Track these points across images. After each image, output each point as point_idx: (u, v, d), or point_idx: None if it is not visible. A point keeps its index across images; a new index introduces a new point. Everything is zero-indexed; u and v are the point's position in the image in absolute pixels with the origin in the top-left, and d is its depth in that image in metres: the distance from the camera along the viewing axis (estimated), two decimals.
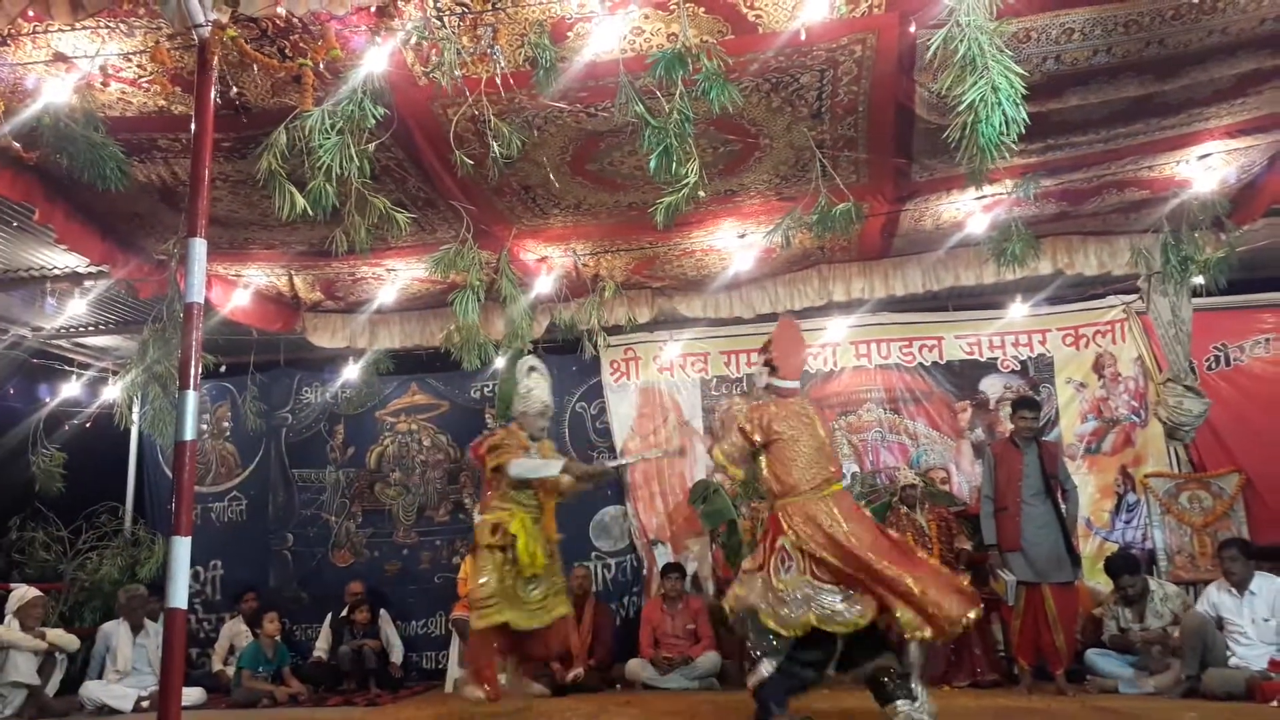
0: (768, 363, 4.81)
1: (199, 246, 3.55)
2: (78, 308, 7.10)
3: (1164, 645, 5.87)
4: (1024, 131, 3.53)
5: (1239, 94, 4.93)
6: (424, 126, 4.72)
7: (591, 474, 5.40)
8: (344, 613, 7.88)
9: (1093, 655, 6.15)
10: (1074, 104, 4.81)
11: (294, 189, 4.22)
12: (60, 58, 4.17)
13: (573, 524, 7.51)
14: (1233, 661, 5.49)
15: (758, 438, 4.57)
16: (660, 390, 8.48)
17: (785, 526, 4.37)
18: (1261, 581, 5.64)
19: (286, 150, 4.17)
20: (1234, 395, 7.48)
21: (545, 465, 5.08)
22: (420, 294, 7.31)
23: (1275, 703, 4.85)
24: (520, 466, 5.03)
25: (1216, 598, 5.78)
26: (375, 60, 3.95)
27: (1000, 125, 3.46)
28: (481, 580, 4.88)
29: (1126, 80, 4.64)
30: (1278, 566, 5.93)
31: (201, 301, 3.61)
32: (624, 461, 8.09)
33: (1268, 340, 7.58)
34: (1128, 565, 6.27)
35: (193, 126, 3.66)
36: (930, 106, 4.68)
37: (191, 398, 3.43)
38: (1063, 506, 6.07)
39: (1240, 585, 5.67)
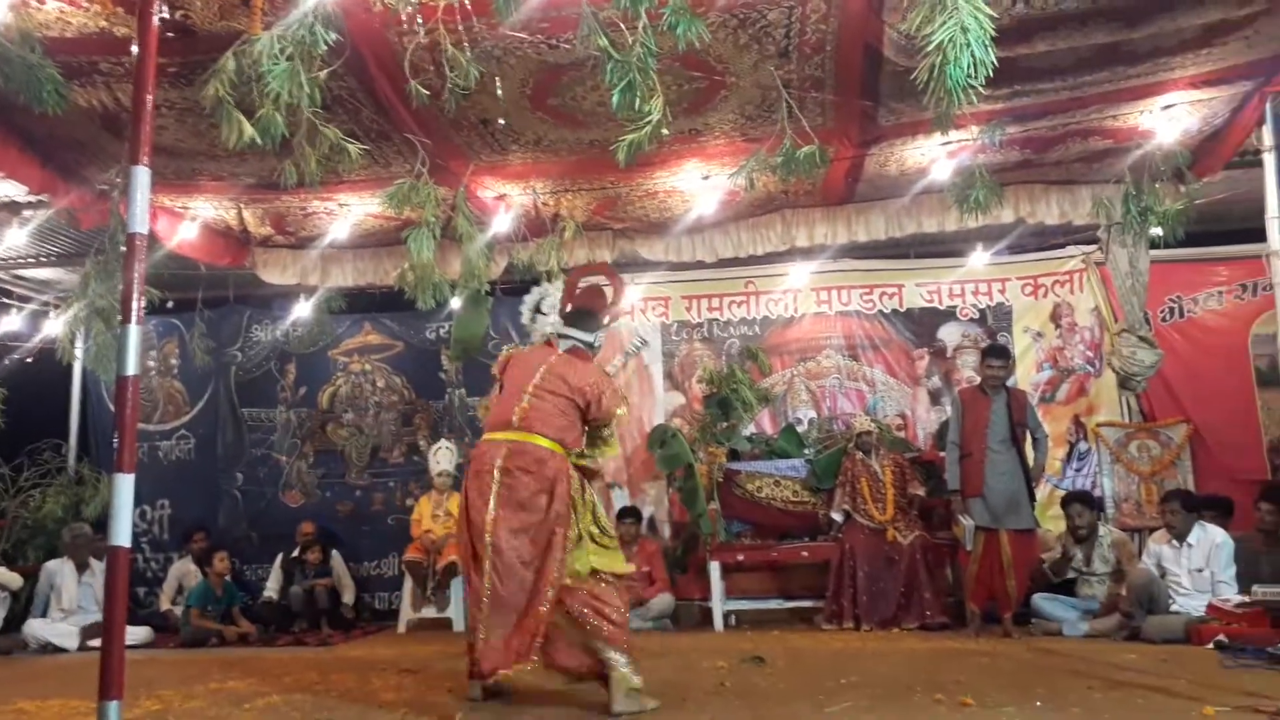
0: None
1: (142, 175, 3.39)
2: (17, 238, 6.84)
3: (1112, 601, 6.01)
4: (991, 75, 3.47)
5: (1205, 44, 4.92)
6: (378, 55, 4.56)
7: None
8: (295, 553, 7.81)
9: (1039, 599, 6.28)
10: (1042, 49, 4.77)
11: (242, 117, 4.08)
12: None
13: None
14: (1174, 608, 5.63)
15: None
16: (621, 334, 8.42)
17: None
18: (1199, 533, 5.76)
19: (235, 77, 4.02)
20: (1186, 347, 7.60)
21: None
22: (374, 230, 7.15)
23: (1210, 644, 4.98)
24: None
25: (1157, 549, 5.92)
26: None
27: (968, 68, 3.40)
28: None
29: (1095, 26, 4.61)
30: (1221, 515, 6.06)
31: (145, 232, 3.44)
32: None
33: (1220, 293, 7.68)
34: (1079, 496, 6.45)
35: (135, 49, 3.48)
36: (898, 48, 4.61)
37: (134, 332, 3.30)
38: (1029, 455, 6.14)
39: (1180, 537, 5.79)
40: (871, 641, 5.98)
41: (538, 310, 4.62)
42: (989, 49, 3.38)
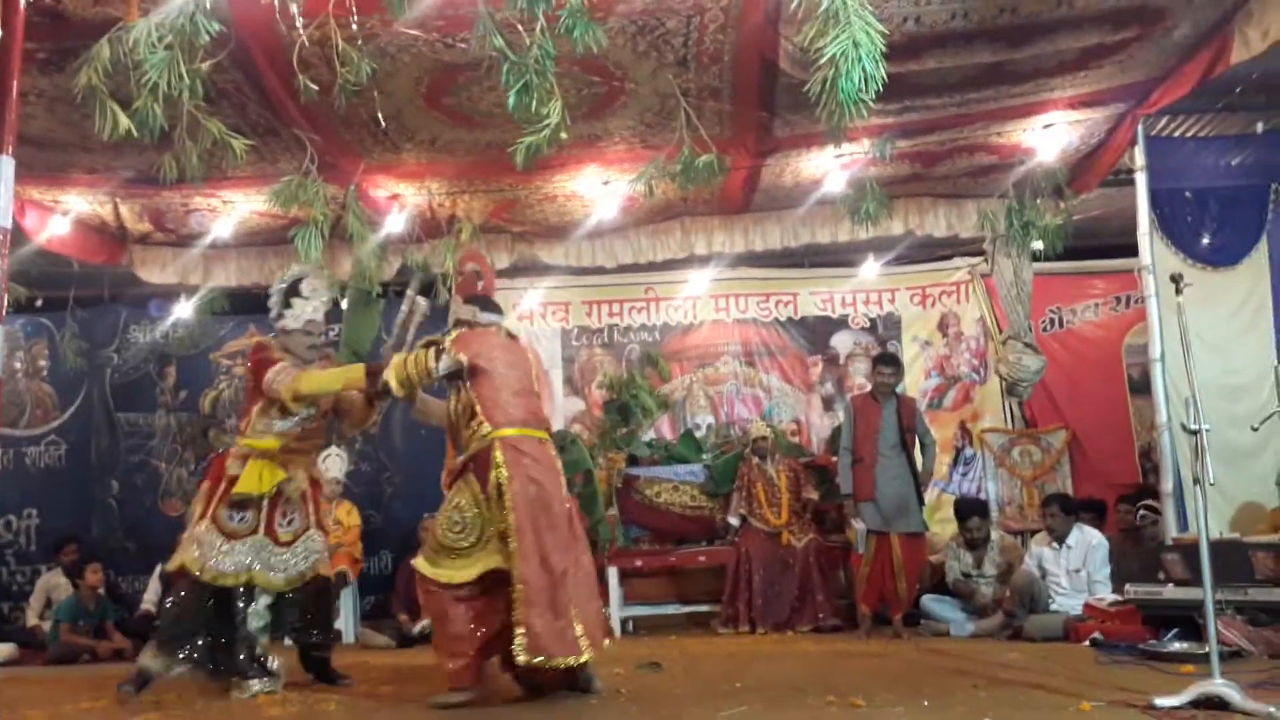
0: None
1: (6, 166, 3.19)
2: None
3: (997, 602, 6.18)
4: (882, 90, 3.54)
5: (1082, 66, 5.15)
6: (266, 47, 4.40)
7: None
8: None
9: (927, 600, 6.43)
10: (931, 66, 4.93)
11: (118, 108, 3.89)
12: None
13: (429, 471, 7.35)
14: (1053, 608, 5.83)
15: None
16: (519, 339, 8.31)
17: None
18: (1077, 534, 5.98)
19: (109, 65, 3.82)
20: (1065, 356, 7.91)
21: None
22: (260, 229, 6.89)
23: (1087, 641, 5.17)
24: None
25: (1038, 551, 6.12)
26: None
27: (860, 82, 3.47)
28: None
29: (980, 45, 4.78)
30: (1097, 518, 6.32)
31: (8, 226, 3.24)
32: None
33: (1097, 305, 8.03)
34: (976, 509, 6.57)
35: None
36: (794, 60, 4.68)
37: None
38: (918, 460, 6.28)
39: (1060, 539, 6.00)
40: (766, 644, 6.03)
41: (295, 294, 4.45)
42: (880, 64, 3.45)
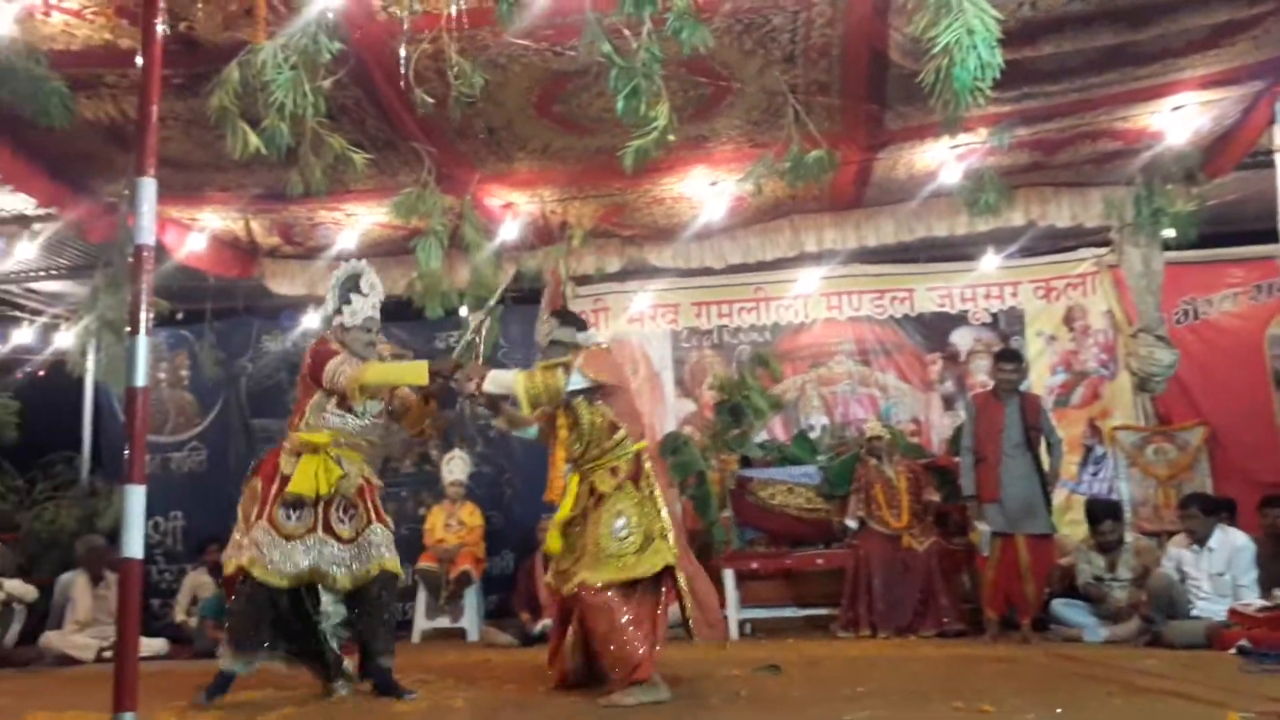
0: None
1: (148, 186, 3.40)
2: (27, 251, 6.88)
3: (1132, 607, 5.92)
4: (999, 78, 3.49)
5: (1213, 44, 4.90)
6: (383, 63, 4.56)
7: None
8: None
9: (1058, 605, 6.20)
10: (1049, 51, 4.77)
11: (247, 128, 4.09)
12: None
13: (536, 475, 7.49)
14: (1194, 613, 5.55)
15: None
16: (631, 342, 8.39)
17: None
18: (1220, 536, 5.69)
19: (239, 87, 4.03)
20: (1201, 349, 7.51)
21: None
22: (382, 240, 7.14)
23: (1232, 649, 4.91)
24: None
25: (1177, 553, 5.85)
26: None
27: (975, 70, 3.40)
28: None
29: (1101, 27, 4.60)
30: (1229, 517, 5.99)
31: (152, 243, 3.45)
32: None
33: (1235, 295, 7.61)
34: (1109, 512, 6.28)
35: (140, 61, 3.49)
36: (904, 51, 4.60)
37: (142, 343, 3.31)
38: (1044, 459, 6.08)
39: (1200, 541, 5.72)
40: (888, 649, 5.92)
41: (354, 290, 4.36)
42: (995, 51, 3.38)
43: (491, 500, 8.20)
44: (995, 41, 3.38)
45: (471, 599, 7.37)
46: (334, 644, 4.37)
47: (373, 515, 4.39)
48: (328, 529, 4.24)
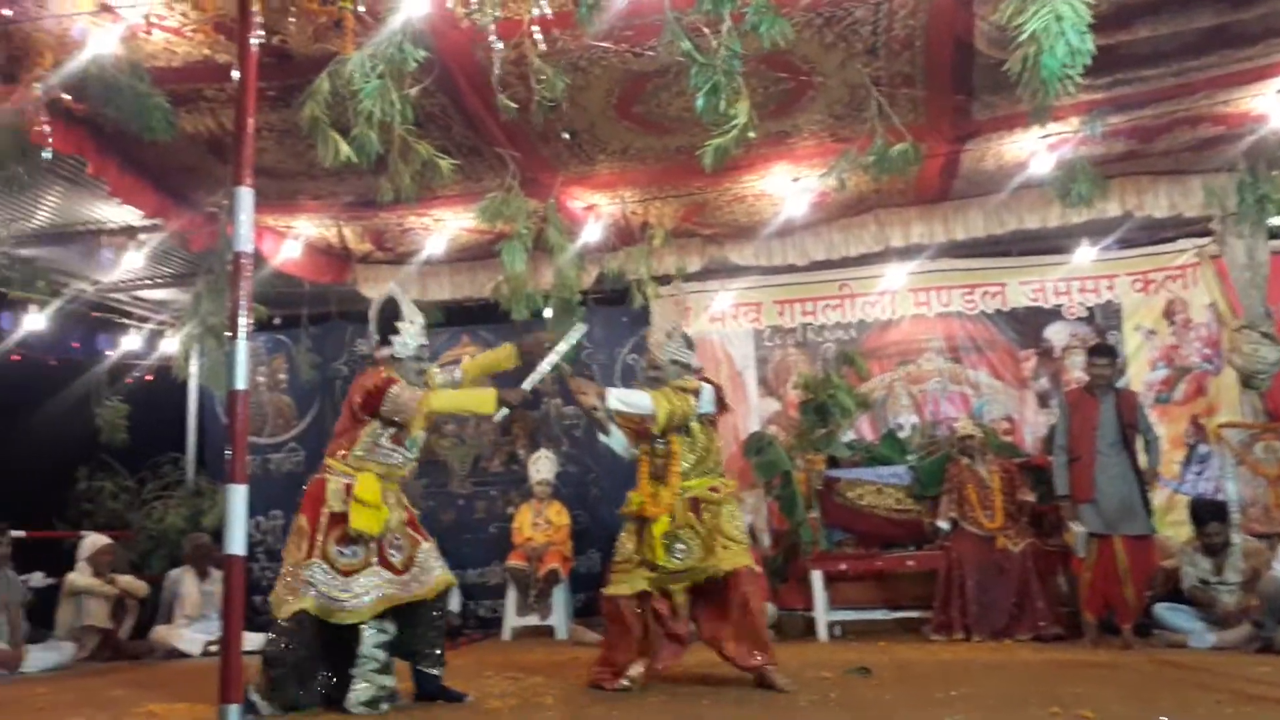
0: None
1: (246, 196, 3.55)
2: (134, 261, 7.18)
3: (1242, 611, 5.68)
4: (1090, 64, 3.41)
5: None
6: (466, 70, 4.65)
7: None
8: None
9: (1161, 609, 5.97)
10: (1143, 35, 4.61)
11: (338, 137, 4.22)
12: (105, 7, 4.17)
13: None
14: None
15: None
16: (712, 341, 8.37)
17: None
18: None
19: (329, 97, 4.16)
20: None
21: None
22: (469, 244, 7.28)
23: None
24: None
25: None
26: (415, 2, 3.86)
27: (1065, 57, 3.32)
28: None
29: (1200, 8, 4.45)
30: None
31: (250, 251, 3.60)
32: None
33: None
34: (1215, 512, 6.02)
35: (236, 75, 3.63)
36: (990, 40, 4.50)
37: (242, 347, 3.45)
38: (1140, 457, 5.88)
39: None
40: (982, 653, 5.78)
41: (396, 318, 4.34)
42: (1086, 37, 3.30)
43: (578, 500, 8.26)
44: (1085, 27, 3.30)
45: (559, 597, 7.44)
46: (378, 664, 4.17)
47: (417, 537, 4.37)
48: (383, 561, 4.18)
